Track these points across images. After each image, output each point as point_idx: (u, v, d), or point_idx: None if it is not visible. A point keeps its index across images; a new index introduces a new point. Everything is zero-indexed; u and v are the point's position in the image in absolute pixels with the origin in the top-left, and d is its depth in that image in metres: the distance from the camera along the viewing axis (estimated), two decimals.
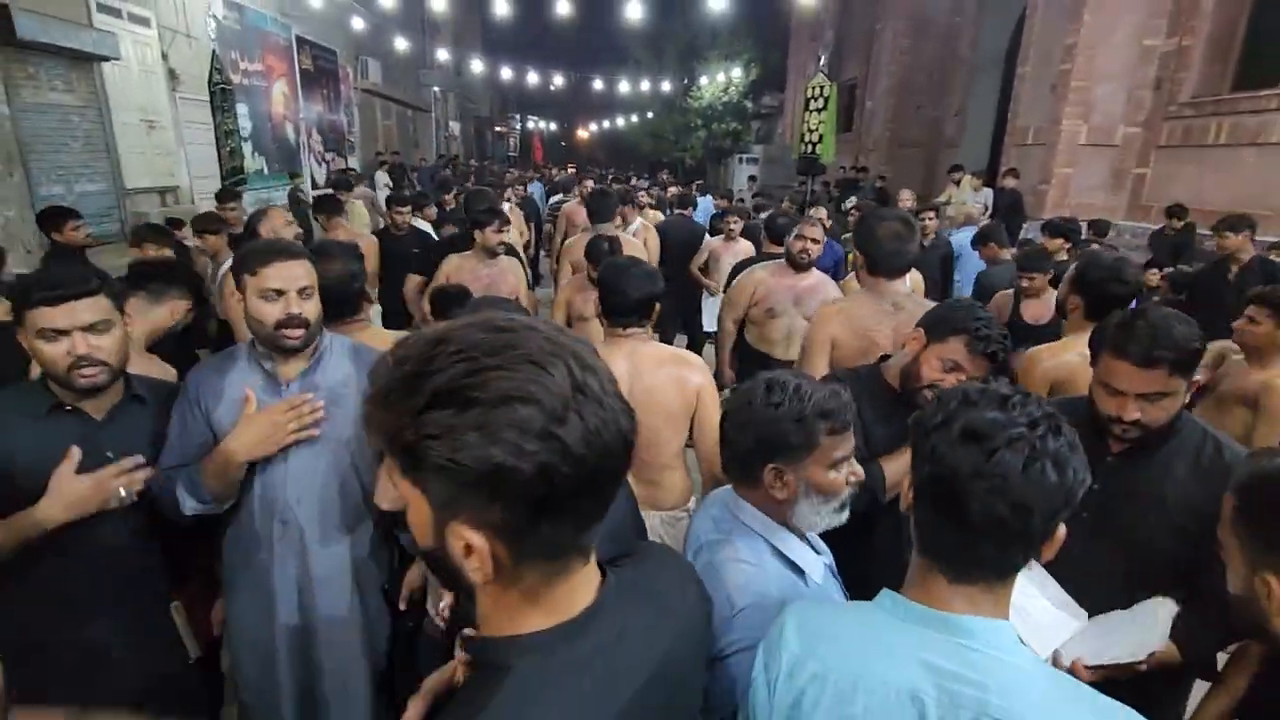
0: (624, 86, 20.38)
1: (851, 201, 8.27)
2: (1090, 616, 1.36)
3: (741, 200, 10.07)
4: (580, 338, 0.63)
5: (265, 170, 10.23)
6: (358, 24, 14.08)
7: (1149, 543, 1.41)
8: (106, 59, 6.35)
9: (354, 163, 14.25)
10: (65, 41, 5.73)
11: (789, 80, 19.64)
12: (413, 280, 4.01)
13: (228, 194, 5.05)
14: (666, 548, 1.01)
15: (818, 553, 1.24)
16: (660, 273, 2.08)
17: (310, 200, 7.42)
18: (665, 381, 1.93)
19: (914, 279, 3.35)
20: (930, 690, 0.77)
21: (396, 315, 4.33)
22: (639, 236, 4.79)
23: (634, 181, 13.35)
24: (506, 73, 19.36)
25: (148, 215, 6.71)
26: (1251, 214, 4.52)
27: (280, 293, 1.52)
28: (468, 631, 0.70)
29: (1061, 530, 0.80)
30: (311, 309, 1.57)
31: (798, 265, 3.24)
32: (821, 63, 11.66)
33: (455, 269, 3.39)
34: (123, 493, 1.42)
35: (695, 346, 5.23)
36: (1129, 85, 7.65)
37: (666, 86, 20.41)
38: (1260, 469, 1.02)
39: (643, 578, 0.74)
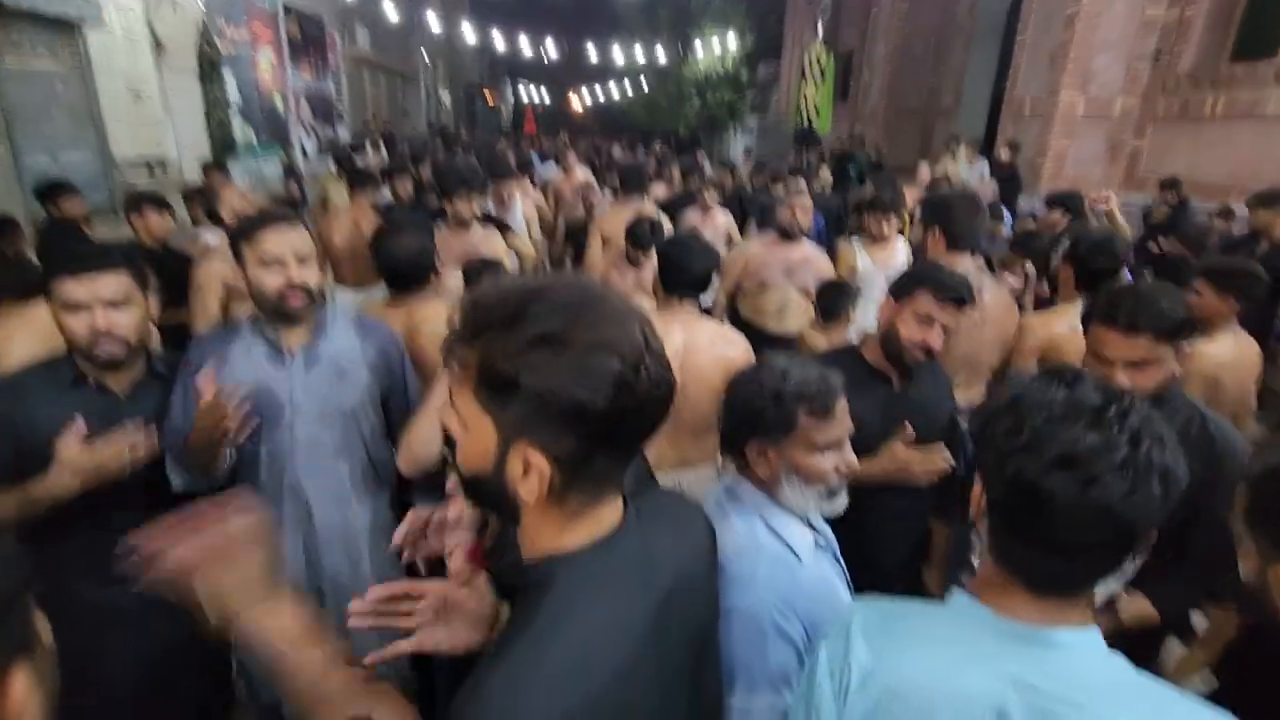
0: (618, 56, 19.93)
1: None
2: None
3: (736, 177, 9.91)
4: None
5: (255, 141, 10.05)
6: None
7: None
8: (88, 23, 6.17)
9: (343, 131, 14.01)
10: (47, 6, 5.59)
11: (785, 47, 19.26)
12: None
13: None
14: (673, 489, 1.08)
15: (816, 531, 1.24)
16: (716, 250, 2.17)
17: (302, 174, 7.29)
18: (711, 356, 2.02)
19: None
20: (1018, 707, 0.71)
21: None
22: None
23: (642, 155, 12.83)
24: (499, 41, 18.92)
25: (136, 188, 6.61)
26: (1247, 187, 4.49)
27: (280, 261, 1.53)
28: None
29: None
30: (312, 276, 1.58)
31: (789, 235, 3.25)
32: (819, 30, 11.46)
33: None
34: (128, 456, 1.44)
35: None
36: (1128, 57, 7.57)
37: (661, 57, 19.97)
38: (1276, 463, 0.97)
39: (657, 506, 0.85)
